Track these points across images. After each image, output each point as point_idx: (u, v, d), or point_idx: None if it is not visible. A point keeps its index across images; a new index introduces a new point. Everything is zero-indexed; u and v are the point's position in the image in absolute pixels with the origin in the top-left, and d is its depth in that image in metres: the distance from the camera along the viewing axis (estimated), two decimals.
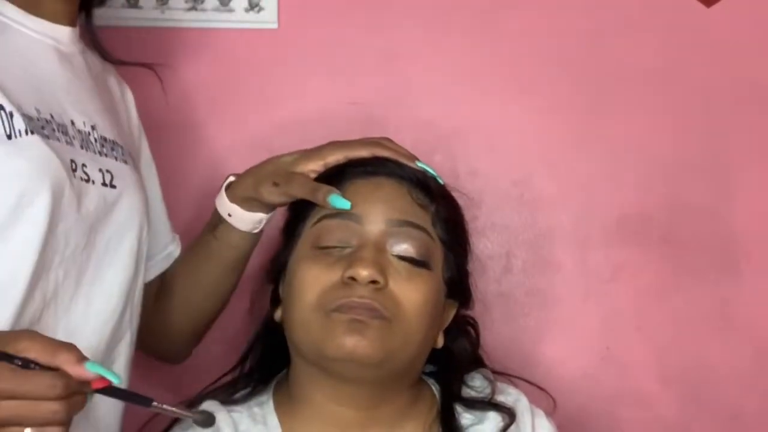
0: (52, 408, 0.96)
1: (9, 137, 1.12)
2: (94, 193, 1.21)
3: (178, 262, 1.45)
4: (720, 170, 1.67)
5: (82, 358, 0.98)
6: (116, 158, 1.28)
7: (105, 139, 1.27)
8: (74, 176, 1.18)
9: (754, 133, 1.67)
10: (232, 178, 1.39)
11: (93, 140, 1.25)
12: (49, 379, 0.95)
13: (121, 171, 1.28)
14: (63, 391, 0.96)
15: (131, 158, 1.33)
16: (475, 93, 1.67)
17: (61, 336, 1.17)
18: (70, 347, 0.99)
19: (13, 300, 1.13)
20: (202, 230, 1.43)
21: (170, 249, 1.45)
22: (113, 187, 1.24)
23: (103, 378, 0.98)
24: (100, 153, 1.25)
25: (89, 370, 0.98)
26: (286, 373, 1.35)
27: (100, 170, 1.22)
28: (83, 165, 1.20)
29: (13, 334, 1.01)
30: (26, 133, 1.14)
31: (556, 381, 1.62)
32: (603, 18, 1.67)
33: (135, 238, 1.28)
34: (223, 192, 1.38)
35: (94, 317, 1.24)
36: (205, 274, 1.42)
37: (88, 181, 1.20)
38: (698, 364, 1.68)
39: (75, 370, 0.97)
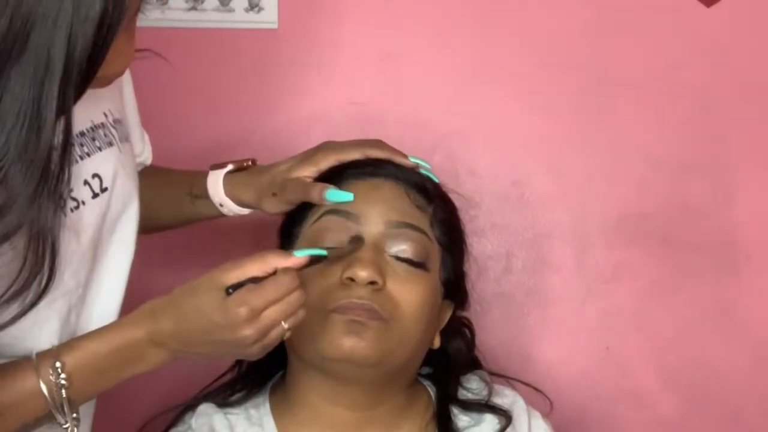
0: (297, 295, 1.10)
1: None
2: (89, 215, 1.15)
3: (145, 178, 1.34)
4: (720, 170, 1.67)
5: (284, 252, 1.12)
6: (100, 148, 1.19)
7: (83, 133, 1.17)
8: (64, 214, 1.10)
9: (754, 134, 1.67)
10: (230, 167, 1.38)
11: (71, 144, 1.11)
12: (288, 275, 1.09)
13: (107, 161, 1.19)
14: (298, 280, 1.10)
15: (114, 126, 1.23)
16: (475, 93, 1.67)
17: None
18: (263, 254, 1.10)
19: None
20: (178, 182, 1.41)
21: (141, 158, 1.40)
22: (104, 190, 1.18)
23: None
24: (82, 156, 1.15)
25: (300, 257, 1.12)
26: (283, 374, 1.35)
27: (86, 182, 1.15)
28: (69, 191, 1.11)
29: (214, 274, 1.09)
30: None
31: (556, 381, 1.63)
32: (603, 18, 1.67)
33: (132, 216, 1.24)
34: (220, 182, 1.37)
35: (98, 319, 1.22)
36: (162, 212, 1.41)
37: (77, 207, 1.13)
38: (698, 364, 1.68)
39: (290, 262, 1.11)
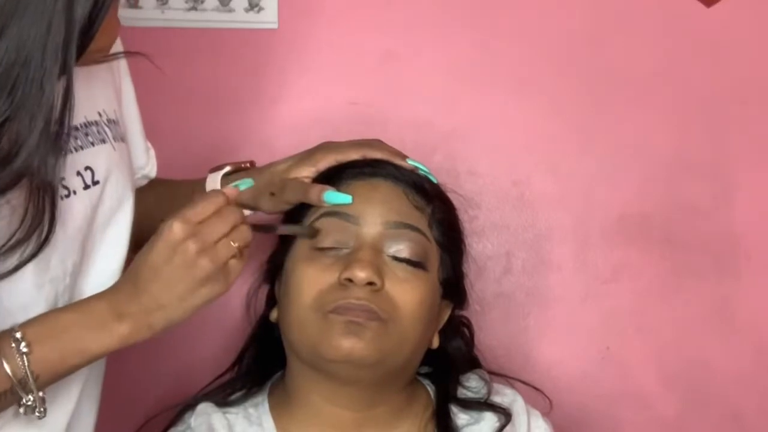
0: (231, 210, 1.11)
1: None
2: (78, 205, 1.16)
3: (150, 190, 1.39)
4: (720, 170, 1.67)
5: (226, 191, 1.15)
6: (93, 143, 1.19)
7: (76, 128, 1.17)
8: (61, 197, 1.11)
9: (754, 133, 1.67)
10: (228, 168, 1.38)
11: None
12: (218, 196, 1.11)
13: (99, 156, 1.20)
14: (226, 200, 1.12)
15: (108, 125, 1.24)
16: (475, 93, 1.67)
17: None
18: (207, 195, 1.13)
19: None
20: (182, 191, 1.40)
21: (145, 171, 1.41)
22: (96, 183, 1.18)
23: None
24: (76, 148, 1.16)
25: (238, 187, 1.18)
26: (282, 374, 1.35)
27: (78, 173, 1.16)
28: (61, 180, 1.12)
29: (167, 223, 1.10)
30: None
31: (556, 381, 1.62)
32: (603, 18, 1.66)
33: (127, 213, 1.24)
34: (218, 183, 1.37)
35: None
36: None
37: (68, 195, 1.14)
38: (698, 364, 1.67)
39: (228, 192, 1.13)
